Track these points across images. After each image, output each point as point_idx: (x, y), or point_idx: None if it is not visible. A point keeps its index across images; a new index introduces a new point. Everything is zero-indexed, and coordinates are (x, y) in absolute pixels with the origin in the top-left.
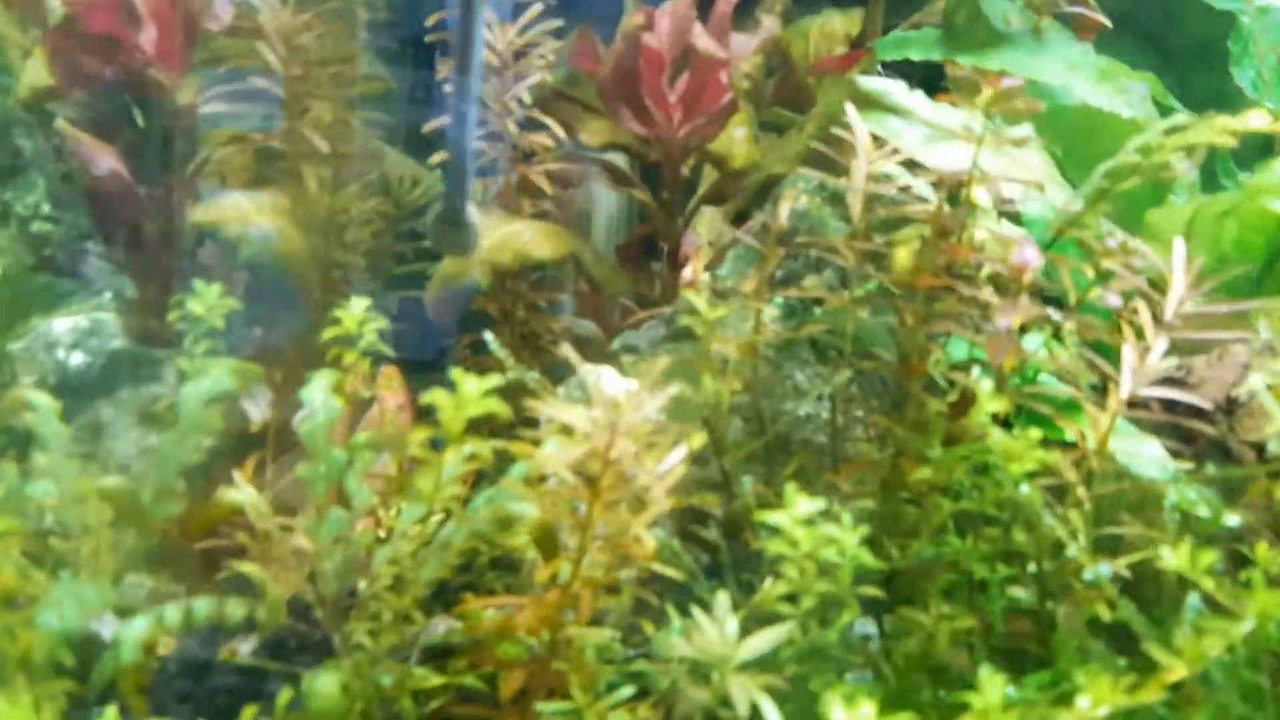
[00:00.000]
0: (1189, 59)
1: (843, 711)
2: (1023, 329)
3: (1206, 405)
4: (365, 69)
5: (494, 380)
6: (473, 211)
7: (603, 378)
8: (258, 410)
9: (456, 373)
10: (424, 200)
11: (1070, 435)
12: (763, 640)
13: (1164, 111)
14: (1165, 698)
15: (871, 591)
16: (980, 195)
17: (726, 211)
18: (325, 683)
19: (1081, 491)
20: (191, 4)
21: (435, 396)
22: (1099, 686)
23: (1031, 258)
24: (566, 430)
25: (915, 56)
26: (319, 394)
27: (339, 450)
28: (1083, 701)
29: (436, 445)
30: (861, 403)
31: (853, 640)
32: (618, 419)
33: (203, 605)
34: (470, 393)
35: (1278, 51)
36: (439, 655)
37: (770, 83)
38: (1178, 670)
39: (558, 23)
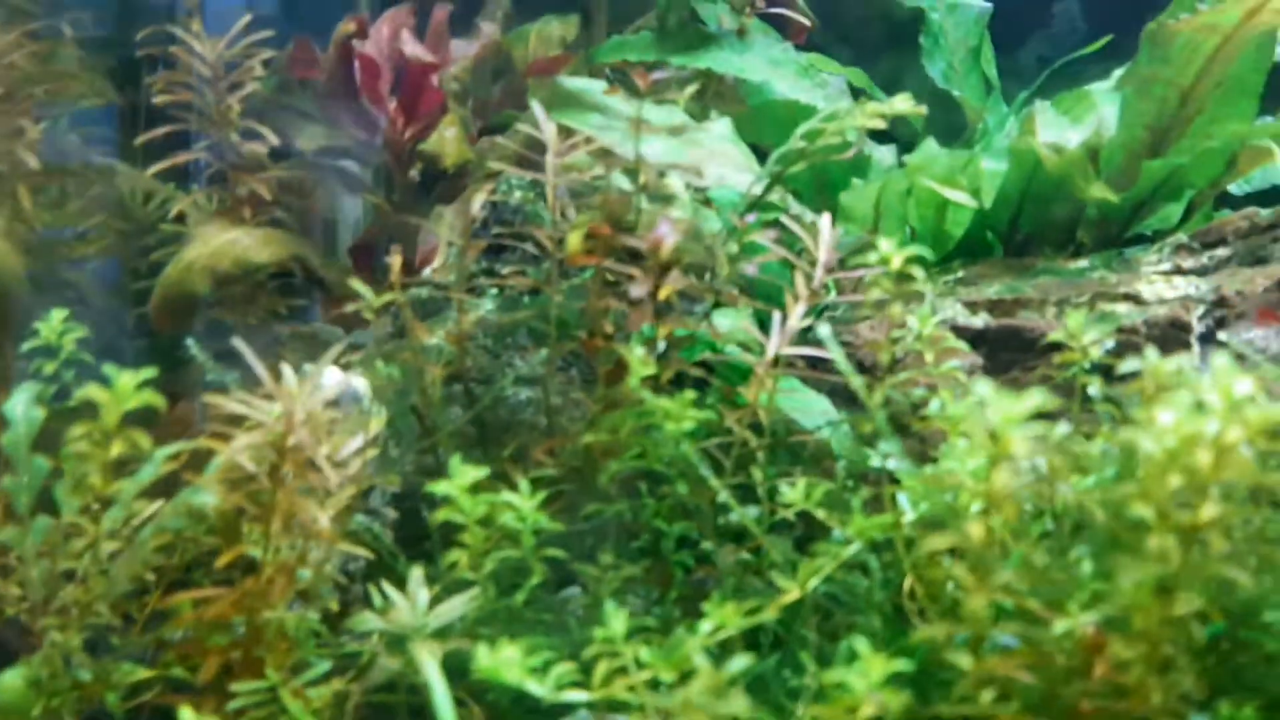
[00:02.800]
0: (893, 54)
1: (486, 656)
2: (716, 305)
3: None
4: (85, 86)
5: (148, 372)
6: None
7: (326, 374)
8: None
9: (109, 368)
10: (159, 214)
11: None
12: (449, 608)
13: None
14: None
15: (553, 553)
16: (674, 181)
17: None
18: (10, 678)
19: (754, 442)
20: None
21: (92, 391)
22: (721, 611)
23: (666, 233)
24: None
25: (632, 59)
26: (21, 406)
27: (42, 460)
28: (706, 626)
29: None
30: (571, 384)
31: (543, 601)
32: (293, 407)
33: None
34: (126, 385)
35: (967, 45)
36: (152, 653)
37: (498, 87)
38: (792, 590)
39: (269, 33)
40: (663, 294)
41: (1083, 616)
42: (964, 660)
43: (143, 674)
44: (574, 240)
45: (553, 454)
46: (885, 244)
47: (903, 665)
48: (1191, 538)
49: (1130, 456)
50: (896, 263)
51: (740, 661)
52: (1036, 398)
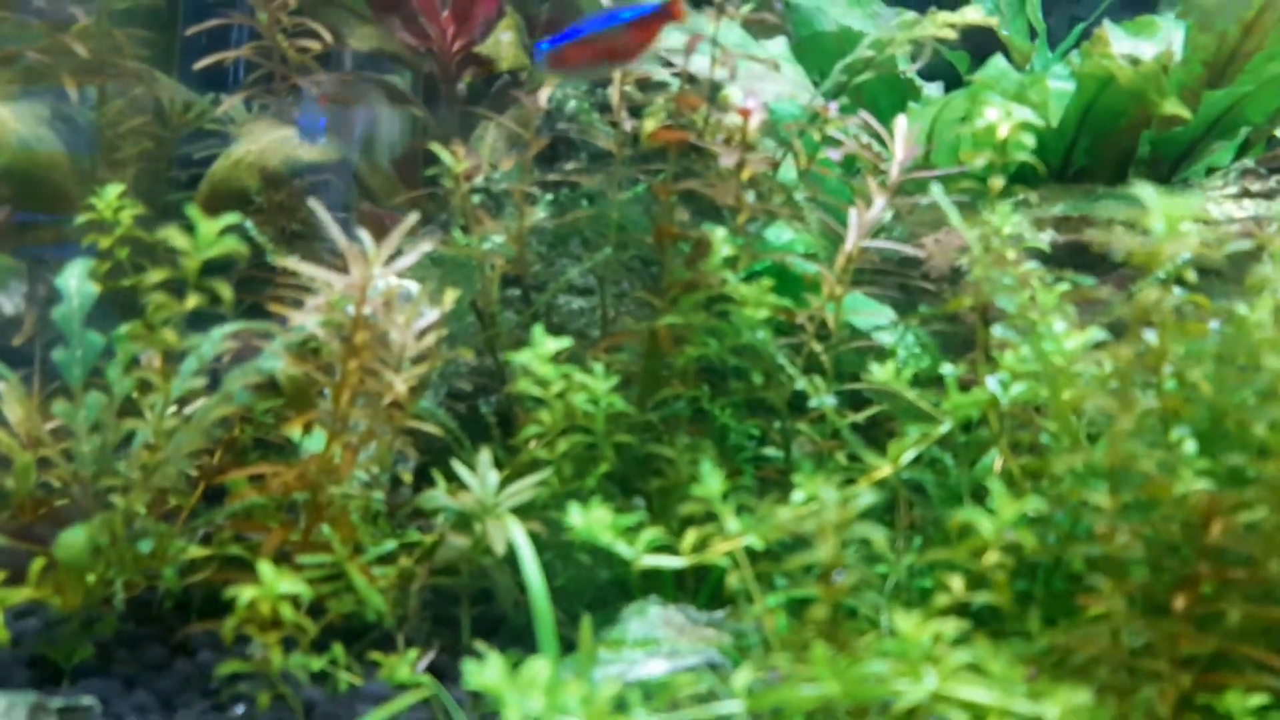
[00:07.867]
0: None
1: (578, 515)
2: (774, 217)
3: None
4: None
5: (232, 218)
6: None
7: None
8: (9, 303)
9: (192, 211)
10: (197, 124)
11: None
12: (520, 488)
13: None
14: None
15: (624, 439)
16: (734, 91)
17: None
18: (73, 534)
19: (818, 345)
20: None
21: (171, 234)
22: (811, 481)
23: (755, 105)
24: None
25: None
26: (74, 280)
27: (96, 335)
28: (797, 495)
29: None
30: (629, 293)
31: (609, 491)
32: (368, 276)
33: None
34: (208, 231)
35: None
36: (205, 536)
37: (545, 7)
38: (882, 469)
39: None
40: (745, 174)
41: (1197, 482)
42: (1102, 498)
43: (196, 551)
44: (650, 124)
45: (616, 349)
46: (992, 111)
47: (1036, 503)
48: None
49: (1241, 326)
50: (1004, 131)
51: (868, 496)
52: (1189, 199)
